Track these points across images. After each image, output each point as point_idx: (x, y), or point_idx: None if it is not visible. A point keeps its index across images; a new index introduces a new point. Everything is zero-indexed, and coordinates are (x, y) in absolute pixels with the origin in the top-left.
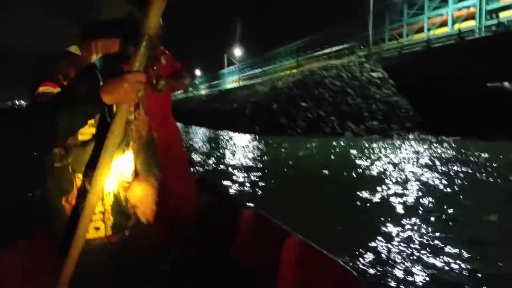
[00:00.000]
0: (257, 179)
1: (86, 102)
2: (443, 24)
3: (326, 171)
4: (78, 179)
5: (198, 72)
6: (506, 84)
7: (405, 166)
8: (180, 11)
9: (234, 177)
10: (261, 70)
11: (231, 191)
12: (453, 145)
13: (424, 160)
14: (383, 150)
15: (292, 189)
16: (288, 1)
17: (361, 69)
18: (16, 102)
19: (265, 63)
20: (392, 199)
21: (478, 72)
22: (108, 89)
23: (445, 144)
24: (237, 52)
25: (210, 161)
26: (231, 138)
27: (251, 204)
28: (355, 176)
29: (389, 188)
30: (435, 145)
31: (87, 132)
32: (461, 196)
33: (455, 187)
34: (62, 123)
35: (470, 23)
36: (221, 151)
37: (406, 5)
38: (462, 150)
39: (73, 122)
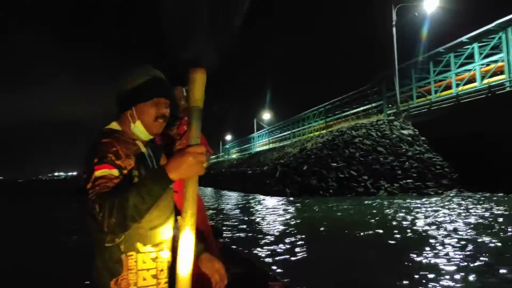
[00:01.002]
0: (289, 245)
1: (153, 183)
2: (471, 80)
3: (363, 233)
4: (130, 259)
5: (228, 137)
6: None
7: (449, 224)
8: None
9: (265, 243)
10: (290, 132)
11: (262, 259)
12: (496, 201)
13: (467, 217)
14: (421, 209)
15: (328, 253)
16: (316, 64)
17: (391, 127)
18: (56, 173)
19: (294, 125)
20: (441, 260)
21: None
22: (173, 166)
23: (487, 201)
24: (266, 116)
25: (240, 227)
26: (261, 202)
27: (279, 278)
28: (395, 236)
29: (435, 249)
30: (475, 201)
31: None
32: None
33: (507, 245)
34: (130, 210)
35: (500, 77)
36: (251, 216)
37: (432, 63)
38: (506, 206)
39: (142, 206)
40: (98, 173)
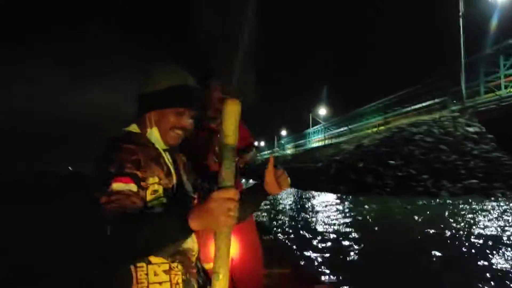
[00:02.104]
0: (340, 245)
1: (171, 227)
2: None
3: (423, 236)
4: (140, 271)
5: (284, 132)
6: None
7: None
8: (267, 74)
9: (314, 242)
10: (347, 128)
11: (310, 259)
12: None
13: None
14: (487, 212)
15: (380, 256)
16: (375, 58)
17: (455, 124)
18: (70, 168)
19: (351, 121)
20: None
21: None
22: (196, 213)
23: None
24: (322, 111)
25: (290, 224)
26: (314, 199)
27: (326, 279)
28: (459, 243)
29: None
30: None
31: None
32: None
33: None
34: (142, 244)
35: None
36: (302, 213)
37: (502, 56)
38: None
39: (155, 245)
40: (115, 186)
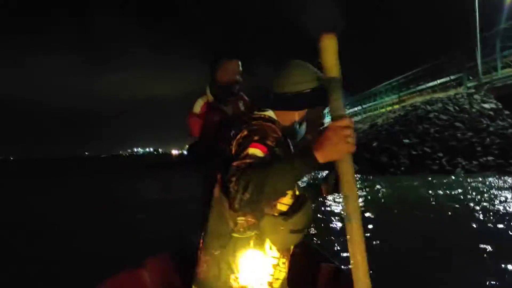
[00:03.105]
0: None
1: (299, 161)
2: None
3: (435, 214)
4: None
5: None
6: None
7: None
8: (276, 55)
9: (327, 222)
10: (360, 107)
11: (321, 239)
12: None
13: None
14: (502, 189)
15: (395, 234)
16: (388, 35)
17: (470, 101)
18: (135, 149)
19: (365, 100)
20: None
21: None
22: (318, 145)
23: None
24: None
25: None
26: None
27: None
28: (477, 221)
29: None
30: None
31: (285, 202)
32: None
33: None
34: (268, 186)
35: None
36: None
37: None
38: None
39: (282, 185)
40: (251, 150)
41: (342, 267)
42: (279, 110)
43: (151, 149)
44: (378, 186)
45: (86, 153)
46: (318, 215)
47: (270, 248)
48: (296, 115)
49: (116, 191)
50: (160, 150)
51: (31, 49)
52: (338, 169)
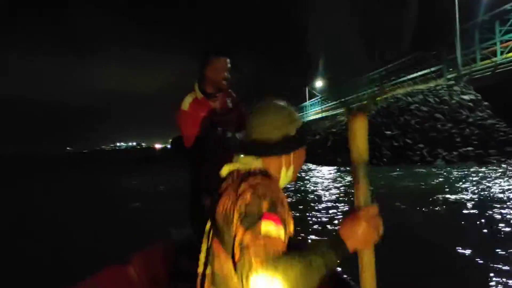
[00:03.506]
0: (334, 216)
1: (333, 252)
2: None
3: (417, 205)
4: None
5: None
6: None
7: (505, 195)
8: (262, 49)
9: (313, 217)
10: (344, 100)
11: (311, 232)
12: None
13: None
14: (483, 178)
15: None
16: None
17: (450, 93)
18: (117, 143)
19: (347, 92)
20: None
21: None
22: (348, 234)
23: None
24: (318, 83)
25: (287, 194)
26: (312, 171)
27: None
28: (453, 210)
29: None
30: None
31: None
32: None
33: None
34: (314, 280)
35: None
36: (301, 185)
37: (498, 22)
38: None
39: (313, 279)
40: (264, 227)
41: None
42: (266, 157)
43: (134, 143)
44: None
45: (68, 148)
46: (315, 219)
47: None
48: (283, 160)
49: (102, 186)
50: (143, 144)
51: (6, 42)
52: (360, 259)
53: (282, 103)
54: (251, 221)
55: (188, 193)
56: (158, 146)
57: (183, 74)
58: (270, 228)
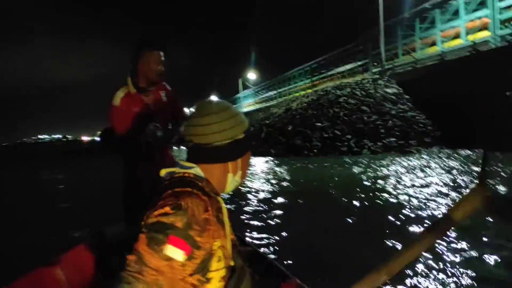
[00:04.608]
0: (267, 208)
1: None
2: (457, 36)
3: (342, 195)
4: None
5: (214, 98)
6: None
7: (425, 181)
8: (196, 41)
9: (250, 208)
10: (276, 92)
11: (247, 225)
12: (473, 158)
13: (446, 175)
14: (402, 167)
15: (311, 215)
16: (301, 23)
17: (375, 86)
18: (40, 136)
19: (280, 85)
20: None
21: (495, 82)
22: None
23: (465, 158)
24: (252, 75)
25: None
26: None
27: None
28: (373, 195)
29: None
30: (455, 159)
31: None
32: None
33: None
34: None
35: (484, 34)
36: None
37: (418, 20)
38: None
39: None
40: (169, 251)
41: (303, 284)
42: (208, 164)
43: (59, 136)
44: (293, 168)
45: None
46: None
47: None
48: (230, 166)
49: (26, 181)
50: (69, 136)
51: None
52: None
53: (226, 103)
54: (156, 237)
55: (121, 188)
56: (85, 138)
57: (114, 66)
58: (176, 254)
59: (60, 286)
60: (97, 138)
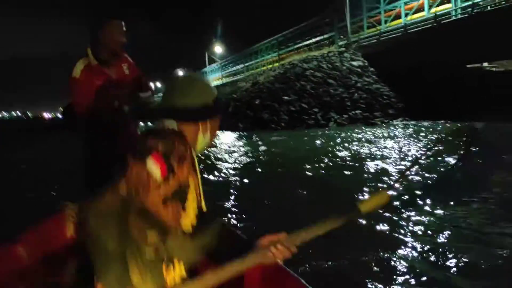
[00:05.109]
0: (236, 180)
1: None
2: (420, 9)
3: (310, 165)
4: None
5: (180, 72)
6: (485, 64)
7: (382, 152)
8: (159, 13)
9: (218, 178)
10: (243, 66)
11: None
12: (436, 129)
13: (407, 146)
14: (366, 138)
15: (279, 187)
16: None
17: (341, 59)
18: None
19: (247, 58)
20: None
21: (456, 54)
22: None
23: (427, 129)
24: (218, 49)
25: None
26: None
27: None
28: (339, 166)
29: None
30: (416, 130)
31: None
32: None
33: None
34: None
35: (446, 6)
36: (206, 151)
37: None
38: (442, 134)
39: None
40: (149, 164)
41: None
42: (184, 122)
43: (19, 113)
44: (260, 142)
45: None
46: None
47: None
48: (200, 126)
49: None
50: (29, 114)
51: None
52: None
53: (201, 76)
54: (140, 151)
55: (83, 166)
56: (46, 115)
57: (73, 39)
58: (155, 170)
59: (22, 264)
60: (59, 115)
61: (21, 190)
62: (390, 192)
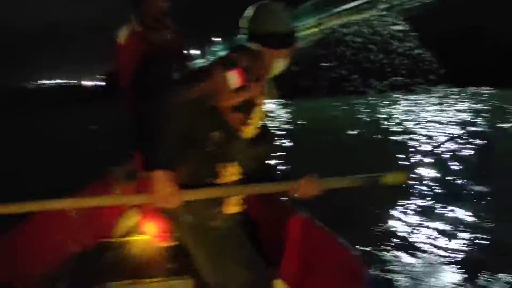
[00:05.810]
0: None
1: None
2: None
3: (351, 132)
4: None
5: (217, 38)
6: None
7: (429, 122)
8: None
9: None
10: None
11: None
12: (483, 96)
13: (450, 114)
14: (407, 106)
15: (320, 154)
16: None
17: (382, 23)
18: (41, 82)
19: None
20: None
21: (505, 17)
22: None
23: (472, 96)
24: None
25: None
26: None
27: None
28: (378, 137)
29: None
30: (460, 97)
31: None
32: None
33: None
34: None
35: None
36: None
37: None
38: (490, 102)
39: None
40: (230, 74)
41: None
42: (267, 47)
43: (60, 81)
44: (299, 109)
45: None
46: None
47: None
48: (280, 53)
49: (34, 128)
50: (70, 81)
51: None
52: None
53: (284, 7)
54: (228, 62)
55: (131, 129)
56: (88, 83)
57: (111, 4)
58: (234, 77)
59: (72, 221)
60: (100, 83)
61: (73, 156)
62: (411, 174)
